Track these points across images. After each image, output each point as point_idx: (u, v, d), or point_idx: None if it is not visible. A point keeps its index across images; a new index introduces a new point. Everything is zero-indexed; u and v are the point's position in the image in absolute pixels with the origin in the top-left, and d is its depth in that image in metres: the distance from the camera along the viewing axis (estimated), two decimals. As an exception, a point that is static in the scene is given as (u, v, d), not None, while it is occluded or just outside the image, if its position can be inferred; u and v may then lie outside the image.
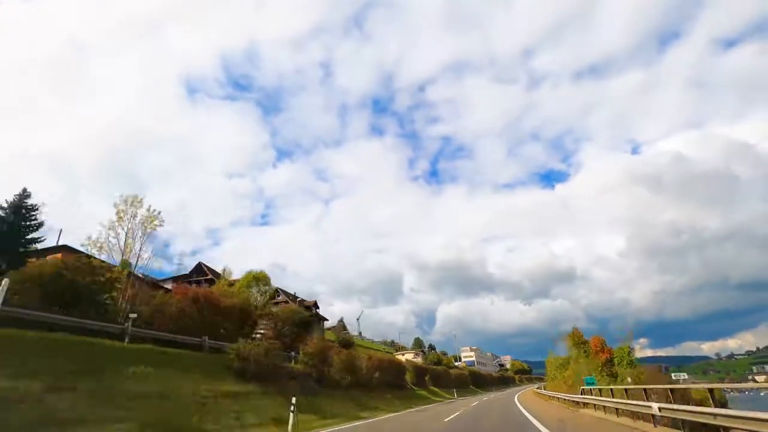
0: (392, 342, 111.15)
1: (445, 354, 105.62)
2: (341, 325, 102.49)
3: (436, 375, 57.77)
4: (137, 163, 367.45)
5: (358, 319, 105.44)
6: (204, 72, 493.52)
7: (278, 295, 66.00)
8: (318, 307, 71.02)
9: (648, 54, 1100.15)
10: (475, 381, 78.42)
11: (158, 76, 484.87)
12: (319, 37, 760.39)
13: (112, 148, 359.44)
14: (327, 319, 71.01)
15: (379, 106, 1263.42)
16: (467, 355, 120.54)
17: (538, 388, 70.53)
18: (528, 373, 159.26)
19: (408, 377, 42.12)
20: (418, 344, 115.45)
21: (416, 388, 42.23)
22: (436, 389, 49.74)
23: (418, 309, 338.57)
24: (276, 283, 70.12)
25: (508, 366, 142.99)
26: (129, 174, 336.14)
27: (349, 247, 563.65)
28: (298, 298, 67.47)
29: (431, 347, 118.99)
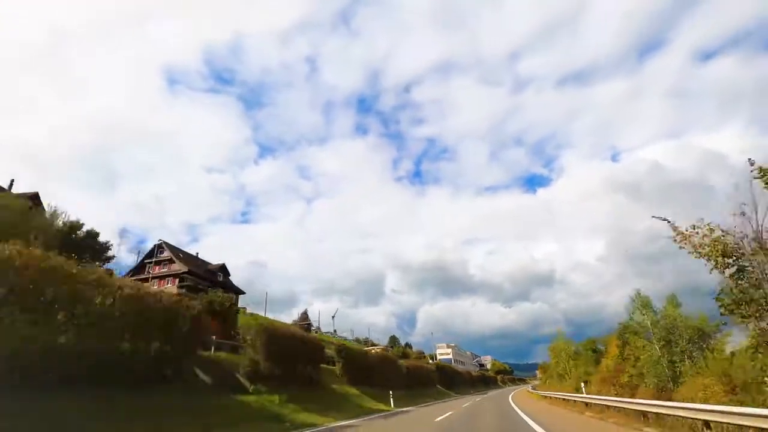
0: (366, 339, 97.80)
1: (422, 354, 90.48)
2: (303, 316, 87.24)
3: (360, 365, 29.73)
4: (114, 154, 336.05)
5: (333, 317, 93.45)
6: (186, 64, 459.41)
7: (161, 252, 46.01)
8: (228, 274, 51.12)
9: (630, 63, 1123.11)
10: (446, 380, 57.55)
11: (139, 67, 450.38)
12: (306, 32, 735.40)
13: (89, 138, 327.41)
14: (243, 292, 50.90)
15: (365, 105, 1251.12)
16: (443, 353, 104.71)
17: (533, 388, 53.74)
18: (509, 374, 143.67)
19: (242, 368, 16.41)
20: (392, 342, 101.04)
21: (258, 389, 15.96)
22: (354, 391, 25.63)
23: (400, 310, 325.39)
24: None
25: (488, 366, 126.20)
26: (106, 166, 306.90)
27: (331, 246, 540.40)
28: (188, 257, 47.23)
29: (407, 346, 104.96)
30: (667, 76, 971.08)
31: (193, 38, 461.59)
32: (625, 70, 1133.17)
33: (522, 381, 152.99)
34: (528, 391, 48.70)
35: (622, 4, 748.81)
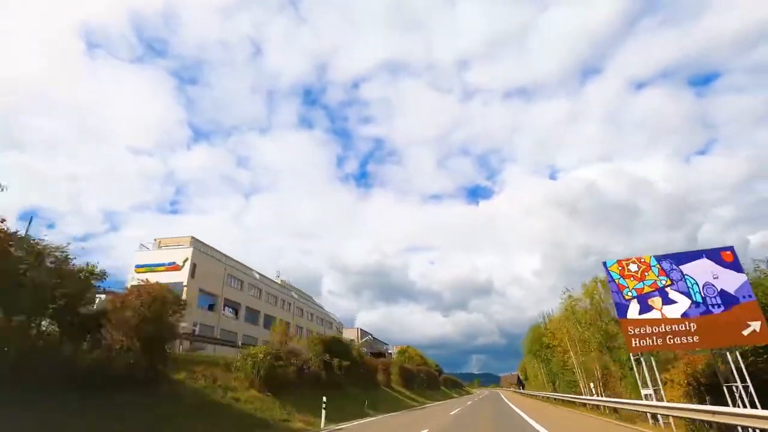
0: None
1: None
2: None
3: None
4: (18, 124, 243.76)
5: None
6: (108, 27, 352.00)
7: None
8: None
9: (572, 85, 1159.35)
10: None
11: (48, 21, 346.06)
12: (250, 9, 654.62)
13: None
14: None
15: (311, 96, 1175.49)
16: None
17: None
18: (440, 374, 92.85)
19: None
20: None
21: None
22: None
23: (337, 314, 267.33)
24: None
25: (394, 356, 73.28)
26: (6, 137, 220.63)
27: (267, 243, 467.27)
28: None
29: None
30: (603, 102, 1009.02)
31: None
32: (567, 92, 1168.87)
33: (456, 385, 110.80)
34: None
35: (567, 26, 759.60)
